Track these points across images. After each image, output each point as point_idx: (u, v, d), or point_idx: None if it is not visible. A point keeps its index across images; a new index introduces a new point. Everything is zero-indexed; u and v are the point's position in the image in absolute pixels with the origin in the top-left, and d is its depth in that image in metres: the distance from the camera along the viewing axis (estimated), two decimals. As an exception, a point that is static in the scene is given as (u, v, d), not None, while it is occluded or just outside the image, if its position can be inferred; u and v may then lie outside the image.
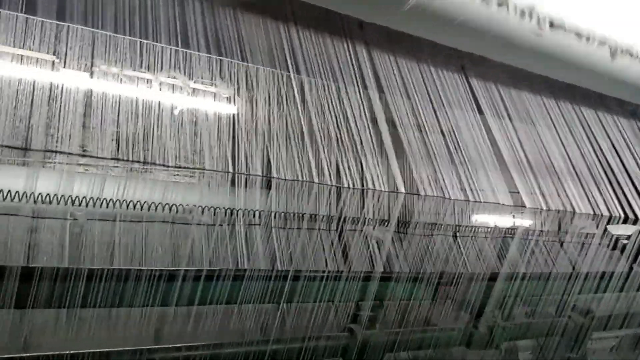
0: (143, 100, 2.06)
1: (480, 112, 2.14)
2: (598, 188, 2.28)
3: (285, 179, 1.69)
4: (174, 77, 2.18)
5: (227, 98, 2.40)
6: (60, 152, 1.67)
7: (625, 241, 3.03)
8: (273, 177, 1.74)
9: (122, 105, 2.06)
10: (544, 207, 2.05)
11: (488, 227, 2.77)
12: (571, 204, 2.15)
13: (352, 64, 1.88)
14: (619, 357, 3.18)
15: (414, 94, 2.00)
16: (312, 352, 1.98)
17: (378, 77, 1.91)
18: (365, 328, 2.09)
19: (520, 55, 1.97)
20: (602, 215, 2.20)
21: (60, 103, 2.01)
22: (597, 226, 2.31)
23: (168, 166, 1.72)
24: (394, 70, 1.96)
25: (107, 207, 1.91)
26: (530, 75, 2.27)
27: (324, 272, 1.99)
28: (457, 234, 2.68)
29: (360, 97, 1.86)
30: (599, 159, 2.37)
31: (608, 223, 2.28)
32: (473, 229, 2.73)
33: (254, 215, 2.20)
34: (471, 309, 2.38)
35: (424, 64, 2.06)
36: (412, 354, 2.28)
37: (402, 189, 1.74)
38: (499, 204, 1.93)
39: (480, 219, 2.83)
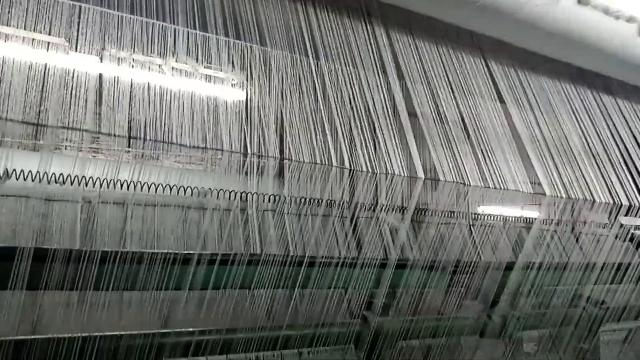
0: (155, 84, 2.03)
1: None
2: (618, 177, 2.24)
3: (300, 161, 1.65)
4: (185, 62, 2.14)
5: (240, 82, 2.36)
6: (74, 129, 1.64)
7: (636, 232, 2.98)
8: (287, 160, 1.70)
9: (134, 89, 2.03)
10: (564, 196, 2.02)
11: (503, 217, 2.73)
12: (590, 193, 2.11)
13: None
14: (629, 349, 3.15)
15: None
16: (325, 338, 1.96)
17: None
18: (378, 315, 2.07)
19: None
20: (621, 204, 2.16)
21: (72, 87, 1.98)
22: (616, 217, 2.27)
23: (185, 145, 1.69)
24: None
25: (120, 188, 1.89)
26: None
27: (339, 258, 1.96)
28: (473, 223, 2.65)
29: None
30: (619, 148, 2.33)
31: (627, 213, 2.23)
32: (488, 218, 2.69)
33: (268, 200, 2.17)
34: (485, 298, 2.35)
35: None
36: (425, 342, 2.26)
37: (421, 174, 1.70)
38: (518, 190, 1.89)
39: (496, 207, 2.79)
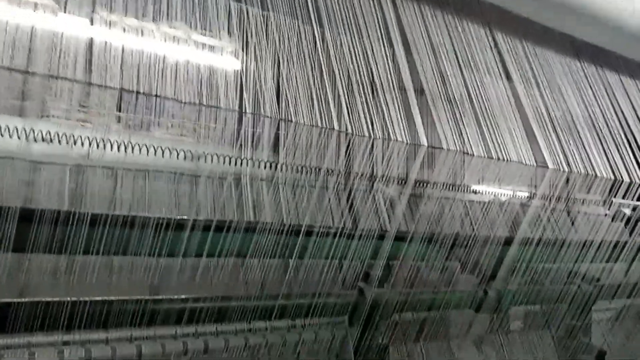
0: (146, 51, 1.94)
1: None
2: (620, 154, 2.22)
3: (300, 123, 1.59)
4: (176, 28, 2.06)
5: (234, 50, 2.28)
6: (65, 79, 1.56)
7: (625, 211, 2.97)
8: (283, 119, 1.63)
9: (125, 53, 1.94)
10: (566, 169, 1.98)
11: (502, 193, 2.70)
12: (593, 168, 2.08)
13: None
14: (619, 327, 3.17)
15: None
16: (320, 309, 1.93)
17: None
18: (375, 287, 2.04)
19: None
20: (623, 180, 2.14)
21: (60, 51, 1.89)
22: (616, 194, 2.25)
23: (180, 101, 1.62)
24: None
25: (110, 149, 1.82)
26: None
27: (337, 228, 1.92)
28: (473, 196, 2.62)
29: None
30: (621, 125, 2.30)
31: (625, 194, 2.21)
32: (487, 194, 2.66)
33: (263, 167, 2.10)
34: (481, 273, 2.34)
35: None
36: (420, 315, 2.24)
37: (425, 142, 1.66)
38: (522, 163, 1.86)
39: (495, 185, 2.76)
